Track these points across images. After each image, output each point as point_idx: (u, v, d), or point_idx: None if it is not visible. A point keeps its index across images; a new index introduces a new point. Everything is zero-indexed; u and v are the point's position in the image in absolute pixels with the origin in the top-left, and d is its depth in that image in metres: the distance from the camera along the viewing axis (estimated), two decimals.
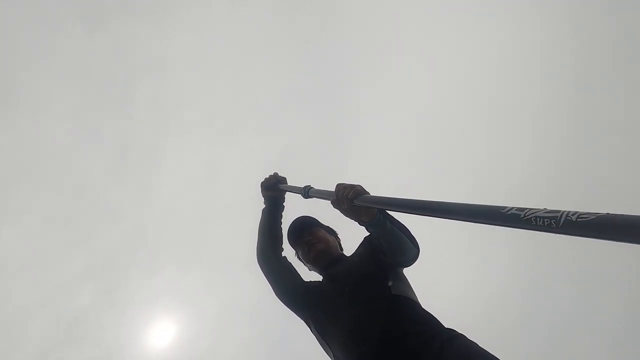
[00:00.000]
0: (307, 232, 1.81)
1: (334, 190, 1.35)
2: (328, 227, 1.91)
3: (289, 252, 1.80)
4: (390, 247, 1.45)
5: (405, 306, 1.35)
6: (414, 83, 10.27)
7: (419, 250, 1.48)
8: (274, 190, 1.86)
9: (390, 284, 1.42)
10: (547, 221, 0.59)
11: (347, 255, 1.76)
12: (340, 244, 1.86)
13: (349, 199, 1.25)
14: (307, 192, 1.63)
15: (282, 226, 1.82)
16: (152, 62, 9.35)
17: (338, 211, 1.35)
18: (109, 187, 9.13)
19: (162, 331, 8.33)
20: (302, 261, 1.84)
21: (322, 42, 9.69)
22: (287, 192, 1.86)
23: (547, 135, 10.21)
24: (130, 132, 9.44)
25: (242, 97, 10.05)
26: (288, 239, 1.85)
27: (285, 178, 1.93)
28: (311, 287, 1.60)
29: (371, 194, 1.24)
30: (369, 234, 1.56)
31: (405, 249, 1.44)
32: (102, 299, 8.56)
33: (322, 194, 1.49)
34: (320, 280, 1.68)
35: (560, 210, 0.59)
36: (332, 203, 1.35)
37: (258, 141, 10.18)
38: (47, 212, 8.64)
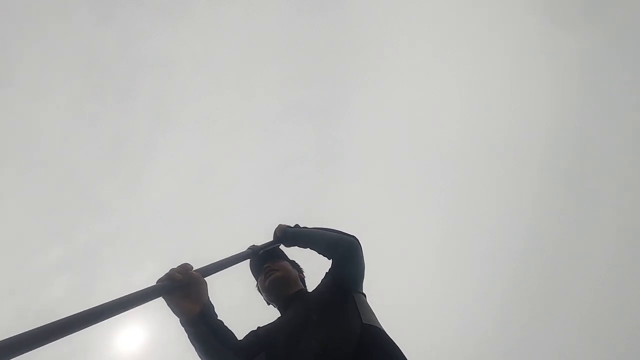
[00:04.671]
0: (269, 261, 1.71)
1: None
2: (293, 261, 1.82)
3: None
4: (321, 249, 1.57)
5: (377, 338, 1.26)
6: (415, 114, 10.42)
7: (354, 237, 1.53)
8: (195, 295, 1.16)
9: (359, 310, 1.33)
10: None
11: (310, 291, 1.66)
12: (304, 280, 1.75)
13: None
14: (256, 252, 1.60)
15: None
16: (157, 59, 9.36)
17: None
18: (97, 179, 8.90)
19: (135, 333, 7.90)
20: (260, 292, 1.73)
21: (330, 60, 9.84)
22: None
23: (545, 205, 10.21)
24: (126, 126, 9.31)
25: (241, 104, 10.06)
26: (251, 269, 1.76)
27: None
28: (265, 330, 1.40)
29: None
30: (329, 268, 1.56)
31: (334, 242, 1.52)
32: (76, 292, 8.16)
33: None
34: (279, 317, 1.53)
35: None
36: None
37: (253, 148, 10.12)
38: (31, 197, 8.35)
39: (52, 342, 0.74)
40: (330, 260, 1.54)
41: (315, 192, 10.13)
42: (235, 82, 10.05)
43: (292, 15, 9.93)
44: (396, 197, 10.07)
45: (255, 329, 1.44)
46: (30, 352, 0.72)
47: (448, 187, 10.25)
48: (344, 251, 1.48)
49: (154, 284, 1.07)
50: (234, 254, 1.50)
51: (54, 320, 0.76)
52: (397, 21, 10.11)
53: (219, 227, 9.15)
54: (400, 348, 1.26)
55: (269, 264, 1.66)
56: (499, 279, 9.64)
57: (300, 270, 1.78)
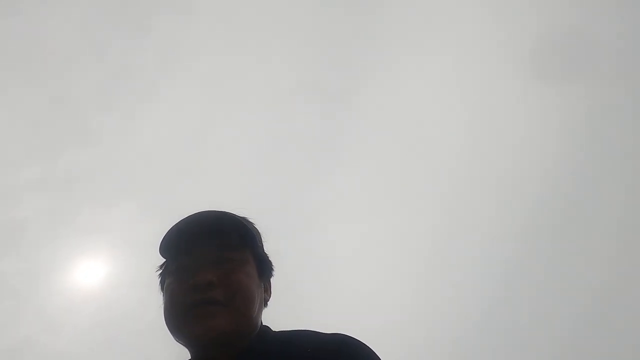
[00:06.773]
0: (211, 247, 0.82)
1: None
2: (264, 254, 0.91)
3: None
4: None
5: None
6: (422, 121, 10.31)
7: None
8: None
9: None
10: None
11: (273, 330, 0.86)
12: (267, 302, 0.90)
13: None
14: None
15: None
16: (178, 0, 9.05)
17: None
18: (93, 105, 8.63)
19: (98, 268, 7.77)
20: (164, 301, 0.86)
21: (355, 44, 9.62)
22: None
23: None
24: (134, 60, 9.00)
25: (254, 69, 9.81)
26: (163, 245, 0.90)
27: None
28: None
29: None
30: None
31: None
32: (45, 215, 7.94)
33: None
34: None
35: None
36: None
37: (256, 116, 9.93)
38: (16, 108, 8.05)
39: None
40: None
41: (310, 175, 10.03)
42: (252, 44, 9.79)
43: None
44: (391, 194, 10.05)
45: None
46: None
47: (448, 188, 10.26)
48: None
49: None
50: None
51: None
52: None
53: (205, 185, 9.00)
54: None
55: (213, 276, 0.77)
56: (487, 283, 9.70)
57: (268, 285, 0.91)
